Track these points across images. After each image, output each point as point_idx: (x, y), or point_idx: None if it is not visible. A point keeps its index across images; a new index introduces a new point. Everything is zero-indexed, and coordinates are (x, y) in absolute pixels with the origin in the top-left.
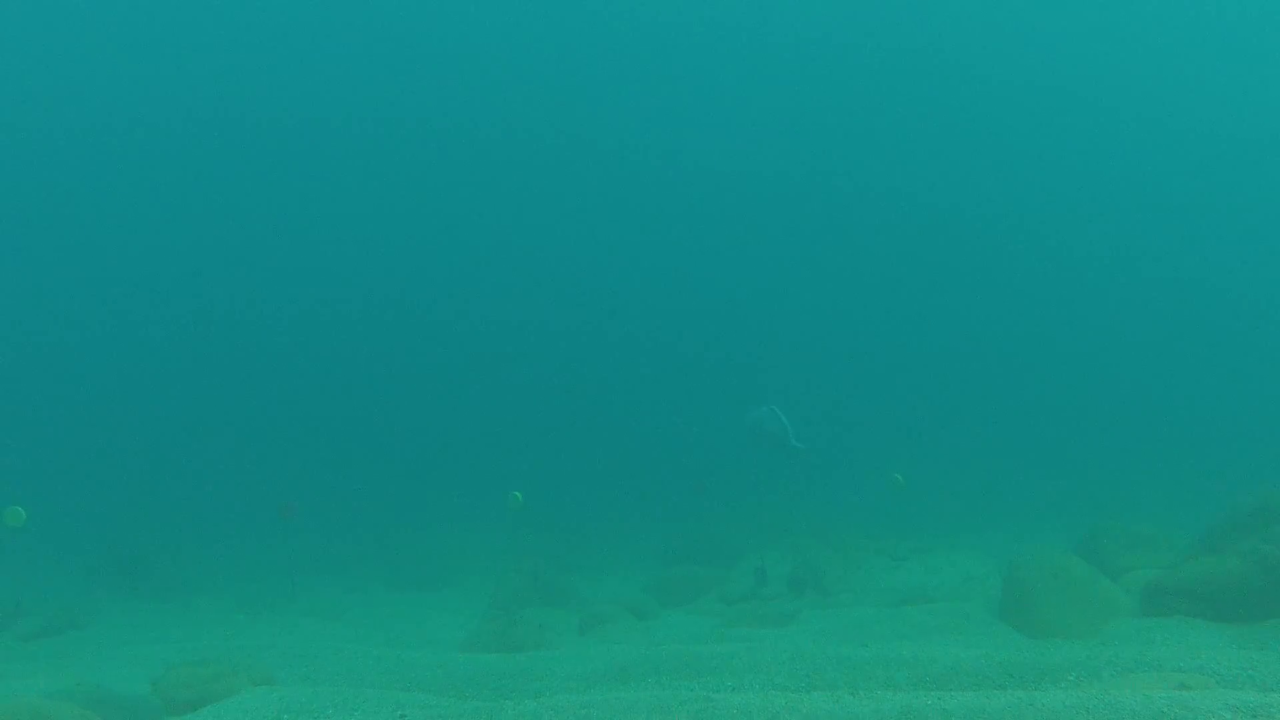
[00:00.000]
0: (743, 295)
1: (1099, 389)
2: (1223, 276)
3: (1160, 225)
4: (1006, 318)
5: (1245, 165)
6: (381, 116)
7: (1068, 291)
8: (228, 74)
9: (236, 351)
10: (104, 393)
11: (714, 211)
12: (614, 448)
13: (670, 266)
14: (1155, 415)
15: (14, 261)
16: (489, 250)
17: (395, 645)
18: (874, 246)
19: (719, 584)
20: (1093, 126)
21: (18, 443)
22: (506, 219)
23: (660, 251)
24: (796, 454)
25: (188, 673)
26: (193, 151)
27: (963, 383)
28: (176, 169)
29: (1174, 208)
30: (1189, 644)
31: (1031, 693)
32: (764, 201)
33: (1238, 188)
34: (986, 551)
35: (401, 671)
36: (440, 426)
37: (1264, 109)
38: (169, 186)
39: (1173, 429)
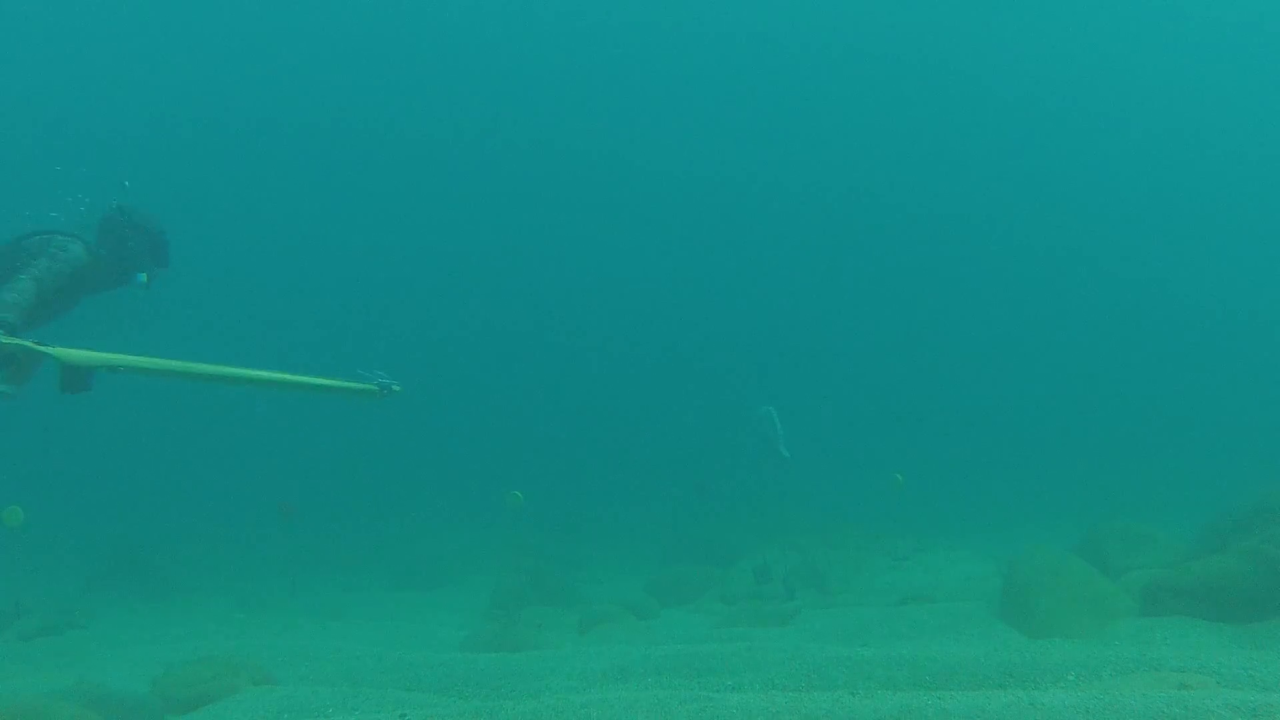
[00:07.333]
0: (746, 294)
1: (1099, 389)
2: (1222, 278)
3: (1158, 226)
4: (1007, 318)
5: (1246, 169)
6: (381, 115)
7: (1068, 291)
8: (224, 75)
9: (237, 352)
10: (103, 393)
11: (713, 212)
12: (615, 446)
13: (671, 265)
14: (1155, 415)
15: None
16: (492, 249)
17: (395, 645)
18: (877, 247)
19: (719, 583)
20: (1100, 129)
21: (16, 442)
22: (508, 218)
23: (662, 250)
24: (782, 462)
25: (188, 672)
26: (191, 151)
27: (963, 382)
28: (173, 166)
29: (1170, 209)
30: (1189, 644)
31: (1031, 692)
32: (766, 202)
33: (1237, 191)
34: (986, 551)
35: (402, 671)
36: (440, 426)
37: (1265, 110)
38: (167, 181)
39: (1173, 429)
